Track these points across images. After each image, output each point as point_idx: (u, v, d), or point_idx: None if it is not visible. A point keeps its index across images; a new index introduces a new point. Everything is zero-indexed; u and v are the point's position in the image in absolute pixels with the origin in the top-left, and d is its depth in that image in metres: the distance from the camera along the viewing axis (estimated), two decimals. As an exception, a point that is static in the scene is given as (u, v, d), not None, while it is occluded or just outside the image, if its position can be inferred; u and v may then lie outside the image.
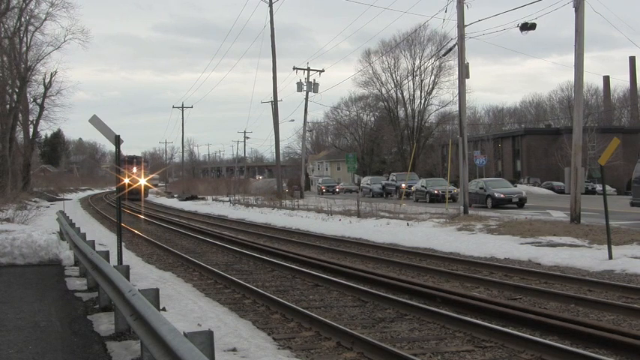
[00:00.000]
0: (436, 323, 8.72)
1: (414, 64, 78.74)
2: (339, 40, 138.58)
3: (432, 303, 9.93)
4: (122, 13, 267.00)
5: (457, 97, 29.51)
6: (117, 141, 12.46)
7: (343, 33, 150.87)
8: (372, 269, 13.87)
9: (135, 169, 61.04)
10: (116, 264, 10.70)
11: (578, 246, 16.78)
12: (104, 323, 8.50)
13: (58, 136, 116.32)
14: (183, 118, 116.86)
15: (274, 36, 48.01)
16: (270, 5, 47.57)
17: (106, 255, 10.26)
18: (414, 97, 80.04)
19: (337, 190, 70.61)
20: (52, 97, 52.83)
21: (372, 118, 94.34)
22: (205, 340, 4.76)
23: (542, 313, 8.78)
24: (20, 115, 50.48)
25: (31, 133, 54.80)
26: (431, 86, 78.53)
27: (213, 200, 58.26)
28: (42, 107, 52.99)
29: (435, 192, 43.54)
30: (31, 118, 53.81)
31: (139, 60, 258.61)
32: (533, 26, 23.90)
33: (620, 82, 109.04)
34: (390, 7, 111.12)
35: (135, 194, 60.27)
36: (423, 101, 79.50)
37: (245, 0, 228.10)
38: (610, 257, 14.08)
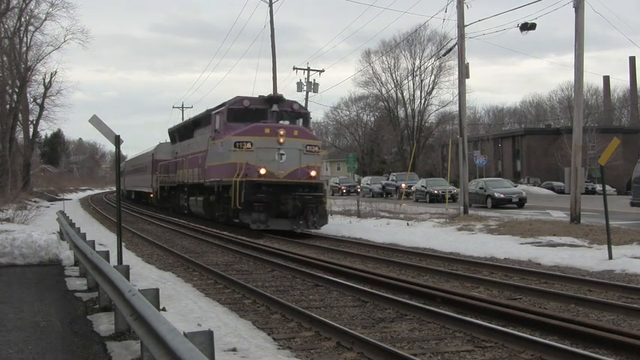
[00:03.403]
0: (436, 323, 8.72)
1: (414, 64, 78.94)
2: (338, 40, 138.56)
3: (432, 303, 9.92)
4: (118, 13, 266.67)
5: (457, 97, 29.54)
6: (117, 141, 12.45)
7: (342, 34, 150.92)
8: (372, 269, 13.87)
9: (282, 133, 22.82)
10: (116, 264, 10.69)
11: (578, 246, 16.79)
12: (104, 323, 8.50)
13: (58, 136, 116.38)
14: (183, 118, 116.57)
15: (274, 36, 47.98)
16: (270, 5, 47.55)
17: (106, 255, 10.26)
18: (414, 97, 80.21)
19: (359, 190, 67.44)
20: (52, 97, 52.88)
21: (372, 118, 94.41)
22: (205, 340, 4.76)
23: (542, 313, 8.78)
24: (20, 115, 50.48)
25: (31, 133, 54.79)
26: (431, 86, 78.71)
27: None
28: (42, 107, 53.01)
29: (435, 192, 43.59)
30: (31, 118, 53.83)
31: (136, 60, 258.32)
32: (533, 26, 23.92)
33: (620, 82, 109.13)
34: (389, 7, 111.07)
35: (311, 206, 22.56)
36: (423, 101, 79.67)
37: (243, 0, 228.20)
38: (610, 257, 14.09)
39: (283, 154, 22.85)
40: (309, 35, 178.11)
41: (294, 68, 54.75)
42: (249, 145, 22.80)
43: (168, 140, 39.61)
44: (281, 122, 24.43)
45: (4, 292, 11.07)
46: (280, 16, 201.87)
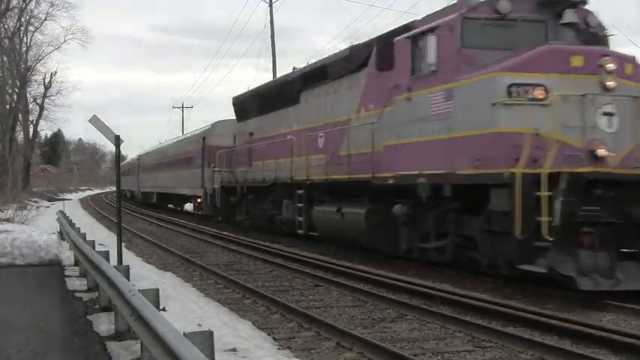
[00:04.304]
0: (436, 323, 8.72)
1: (414, 64, 78.78)
2: (338, 40, 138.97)
3: (432, 303, 9.92)
4: (118, 13, 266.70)
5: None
6: (117, 141, 12.47)
7: (342, 34, 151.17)
8: (372, 269, 13.85)
9: (610, 69, 9.98)
10: (116, 264, 10.70)
11: (578, 246, 16.76)
12: (104, 323, 8.50)
13: (58, 136, 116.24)
14: (183, 118, 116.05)
15: (274, 36, 47.93)
16: (270, 5, 47.52)
17: (106, 255, 10.25)
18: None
19: None
20: (52, 97, 52.92)
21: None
22: (205, 340, 4.75)
23: (542, 314, 8.78)
24: (20, 115, 50.50)
25: (31, 133, 54.78)
26: (431, 86, 78.60)
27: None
28: (42, 107, 53.06)
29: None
30: (31, 118, 53.84)
31: (137, 60, 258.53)
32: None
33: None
34: (390, 7, 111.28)
35: None
36: (423, 101, 79.57)
37: (243, 0, 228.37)
38: (610, 257, 14.04)
39: (613, 115, 10.35)
40: (308, 35, 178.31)
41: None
42: (540, 93, 10.30)
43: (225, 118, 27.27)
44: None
45: (4, 292, 11.07)
46: (280, 17, 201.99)
